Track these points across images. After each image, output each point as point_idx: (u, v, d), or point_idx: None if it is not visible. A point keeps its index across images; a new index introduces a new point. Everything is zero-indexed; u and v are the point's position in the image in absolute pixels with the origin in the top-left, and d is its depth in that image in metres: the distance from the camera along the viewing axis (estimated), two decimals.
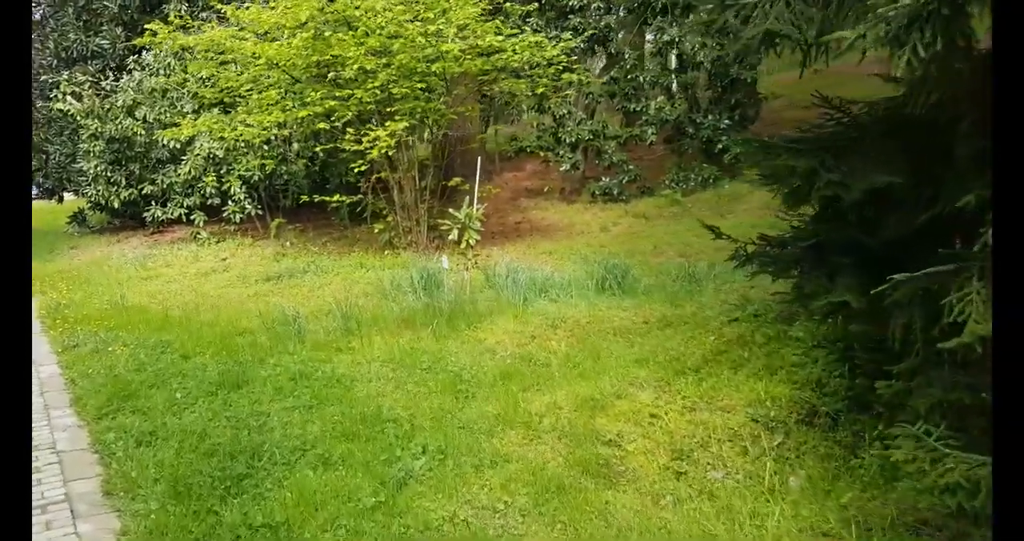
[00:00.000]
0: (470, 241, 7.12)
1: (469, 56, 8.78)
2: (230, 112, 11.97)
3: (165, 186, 13.64)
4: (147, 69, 13.43)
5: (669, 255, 9.32)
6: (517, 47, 8.76)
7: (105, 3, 15.43)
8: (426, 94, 9.21)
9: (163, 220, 14.03)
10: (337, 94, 8.80)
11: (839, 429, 3.26)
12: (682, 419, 3.58)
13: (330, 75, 8.67)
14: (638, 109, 14.35)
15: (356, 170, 9.45)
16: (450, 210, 7.39)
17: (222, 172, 12.97)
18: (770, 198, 13.06)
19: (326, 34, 8.44)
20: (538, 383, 4.52)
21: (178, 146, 13.16)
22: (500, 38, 8.60)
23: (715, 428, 3.44)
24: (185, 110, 13.16)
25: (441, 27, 8.25)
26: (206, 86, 11.38)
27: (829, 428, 3.29)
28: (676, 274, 7.80)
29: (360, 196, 10.93)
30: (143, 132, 13.22)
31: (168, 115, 13.19)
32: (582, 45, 10.26)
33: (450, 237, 7.14)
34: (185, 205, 13.70)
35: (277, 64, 9.39)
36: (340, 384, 4.99)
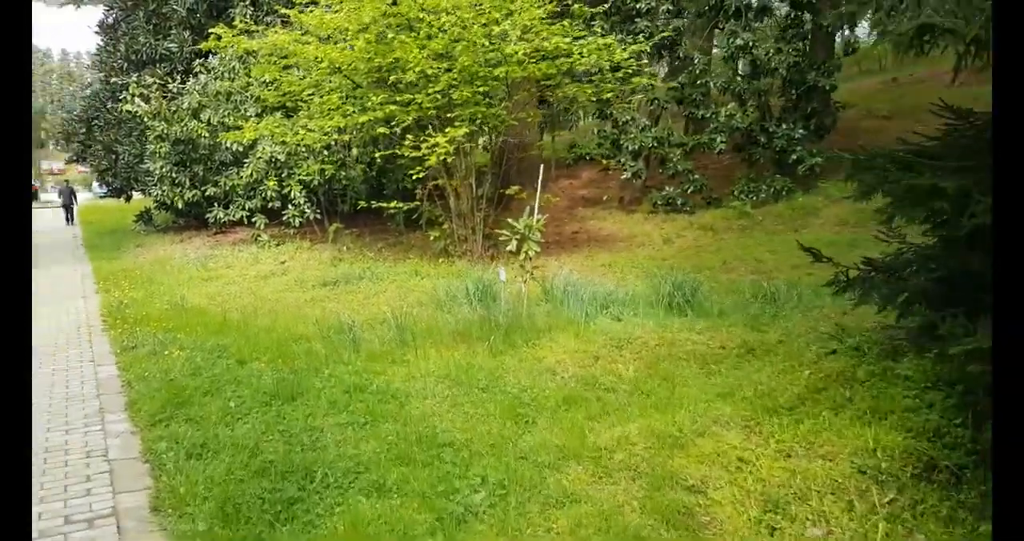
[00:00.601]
0: (529, 253, 6.82)
1: (533, 59, 8.50)
2: (292, 116, 12.04)
3: (227, 188, 13.83)
4: (212, 72, 13.65)
5: (741, 272, 8.82)
6: (585, 50, 8.43)
7: (174, 7, 15.82)
8: (486, 99, 8.99)
9: (225, 221, 14.22)
10: (398, 99, 8.65)
11: (963, 488, 2.81)
12: (776, 466, 3.17)
13: (391, 79, 8.53)
14: (706, 116, 13.83)
15: (414, 176, 9.29)
16: (508, 220, 7.11)
17: (283, 176, 13.06)
18: (846, 213, 12.31)
19: (389, 36, 8.30)
20: (605, 412, 4.18)
21: (241, 149, 13.35)
22: (567, 40, 8.28)
23: (815, 478, 3.03)
24: (248, 113, 13.33)
25: (507, 29, 7.99)
26: (269, 90, 11.44)
27: (951, 486, 2.85)
28: (751, 293, 7.34)
29: (416, 203, 10.78)
30: (207, 134, 13.43)
31: (232, 118, 13.38)
32: (649, 49, 9.88)
33: (508, 248, 6.86)
34: (247, 207, 13.87)
35: (339, 68, 9.32)
36: (395, 400, 4.76)
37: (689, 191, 13.57)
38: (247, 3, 14.09)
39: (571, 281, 7.75)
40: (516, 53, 8.29)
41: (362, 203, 11.16)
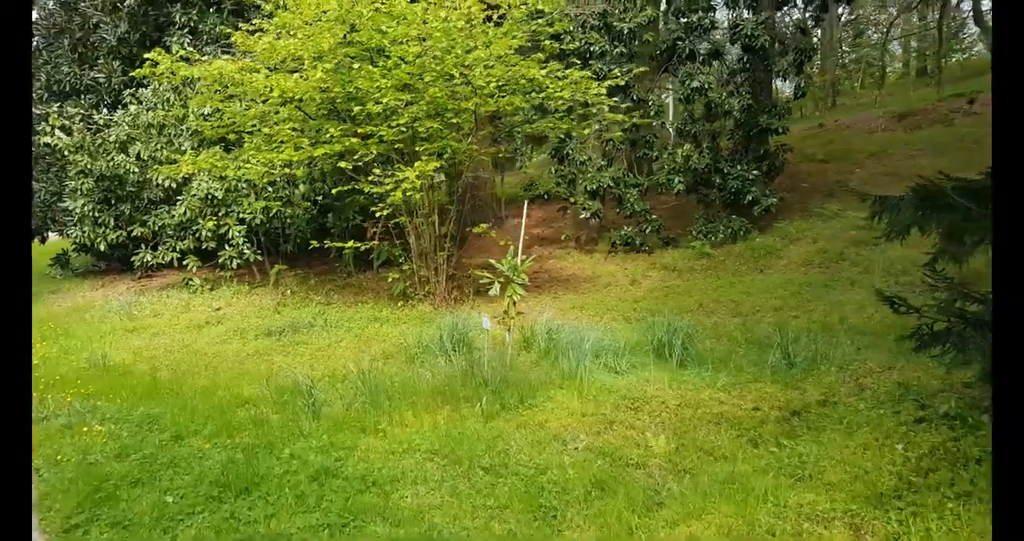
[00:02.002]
0: (514, 297, 6.15)
1: (504, 93, 7.97)
2: (232, 150, 11.11)
3: (157, 228, 12.62)
4: (144, 103, 12.58)
5: (721, 315, 8.37)
6: (560, 84, 7.96)
7: (103, 36, 14.71)
8: (452, 133, 8.38)
9: (152, 264, 12.94)
10: (359, 131, 7.93)
11: None
12: None
13: (356, 110, 7.81)
14: (662, 157, 13.66)
15: (377, 214, 8.52)
16: (491, 260, 6.44)
17: (220, 214, 12.02)
18: (807, 253, 12.12)
19: (355, 66, 7.60)
20: (654, 501, 3.46)
21: (173, 186, 12.25)
22: (543, 73, 7.79)
23: None
24: (183, 147, 12.28)
25: (481, 56, 7.43)
26: (209, 122, 10.50)
27: None
28: (744, 339, 6.86)
29: (374, 242, 9.98)
30: (136, 170, 12.28)
31: (164, 152, 12.30)
32: (604, 91, 9.60)
33: (491, 291, 6.17)
34: (177, 248, 12.67)
35: (292, 99, 8.54)
36: (376, 488, 3.93)
37: (647, 231, 13.29)
38: (185, 32, 13.16)
39: (553, 327, 7.10)
40: (487, 85, 7.73)
41: (314, 243, 10.26)
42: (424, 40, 7.55)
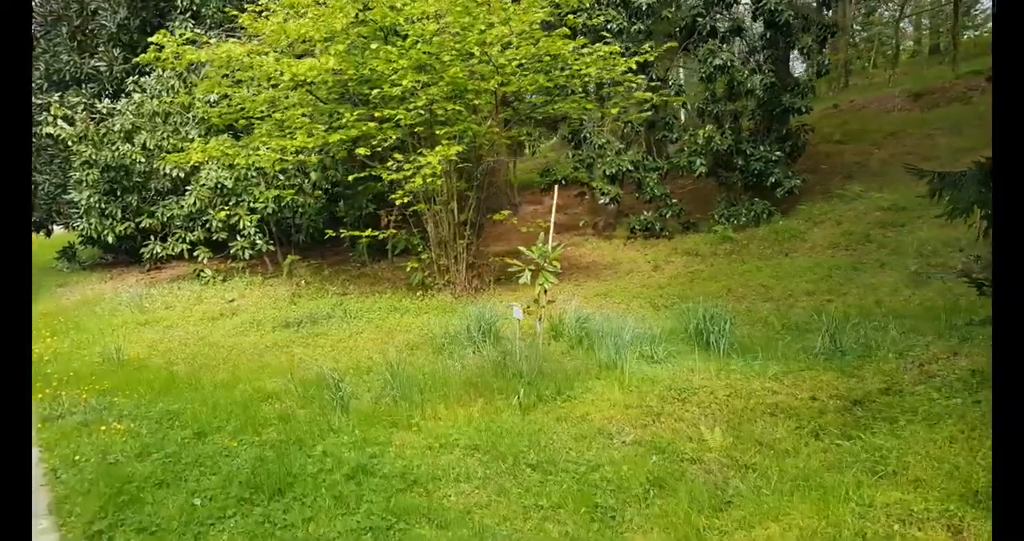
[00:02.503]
0: (545, 285, 5.88)
1: (527, 72, 7.62)
2: (240, 138, 10.83)
3: (166, 219, 12.38)
4: (148, 91, 12.29)
5: (751, 300, 8.09)
6: (588, 60, 7.59)
7: (102, 23, 14.39)
8: (472, 116, 8.07)
9: (162, 256, 12.71)
10: (375, 115, 7.61)
11: None
12: None
13: (372, 93, 7.50)
14: (682, 138, 13.31)
15: (397, 201, 8.23)
16: (520, 247, 6.17)
17: (230, 204, 11.76)
18: (832, 235, 11.81)
19: (372, 46, 7.26)
20: (721, 500, 3.20)
21: (181, 175, 12.00)
22: (569, 48, 7.41)
23: None
24: (190, 136, 12.01)
25: (505, 32, 7.07)
26: (216, 108, 10.21)
27: None
28: (780, 325, 6.58)
29: (391, 231, 9.71)
30: (142, 159, 12.01)
31: (171, 141, 12.03)
32: (634, 67, 9.20)
33: (521, 280, 5.90)
34: (187, 240, 12.43)
35: (303, 83, 8.24)
36: (418, 487, 3.68)
37: (667, 216, 12.98)
38: (187, 16, 12.83)
39: (583, 316, 6.84)
40: (510, 63, 7.39)
41: (329, 233, 9.98)
42: (441, 17, 7.22)
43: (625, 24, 12.73)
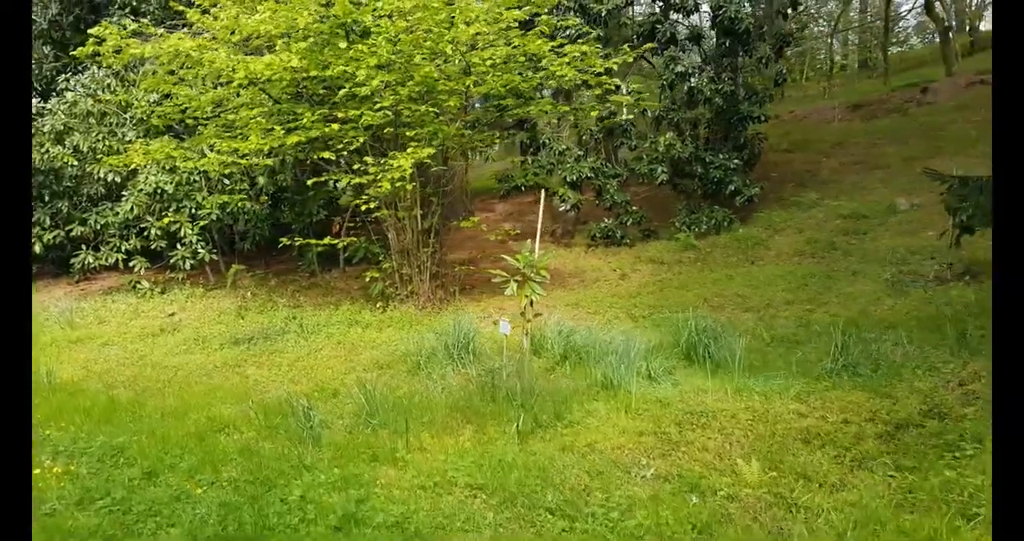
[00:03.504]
0: (532, 297, 5.49)
1: (499, 72, 7.23)
2: (184, 140, 10.06)
3: (99, 227, 11.43)
4: (84, 89, 11.36)
5: (731, 310, 7.90)
6: (565, 60, 7.24)
7: (32, 18, 13.32)
8: (439, 117, 7.62)
9: (94, 267, 11.75)
10: (339, 116, 7.08)
11: None
12: None
13: (340, 93, 6.96)
14: (640, 146, 13.17)
15: (363, 207, 7.70)
16: (505, 256, 5.77)
17: (170, 210, 10.94)
18: (795, 243, 11.83)
19: (341, 45, 6.72)
20: None
21: (117, 180, 11.11)
22: (547, 46, 7.01)
23: None
24: (127, 137, 11.14)
25: (485, 31, 6.65)
26: (161, 108, 9.44)
27: None
28: (768, 337, 6.38)
29: (351, 239, 9.15)
30: (74, 162, 11.06)
31: (106, 143, 11.12)
32: (615, 68, 8.96)
33: (507, 291, 5.50)
34: (122, 249, 11.51)
35: (256, 81, 7.62)
36: (419, 539, 3.22)
37: (628, 223, 12.82)
38: (126, 12, 11.93)
39: (566, 329, 6.48)
40: (483, 63, 6.98)
41: (284, 241, 9.33)
42: (409, 15, 6.76)
43: (583, 29, 12.56)
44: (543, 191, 6.30)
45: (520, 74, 7.56)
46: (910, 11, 36.09)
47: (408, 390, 5.49)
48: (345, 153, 7.24)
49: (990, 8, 33.46)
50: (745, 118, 12.77)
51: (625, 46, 9.26)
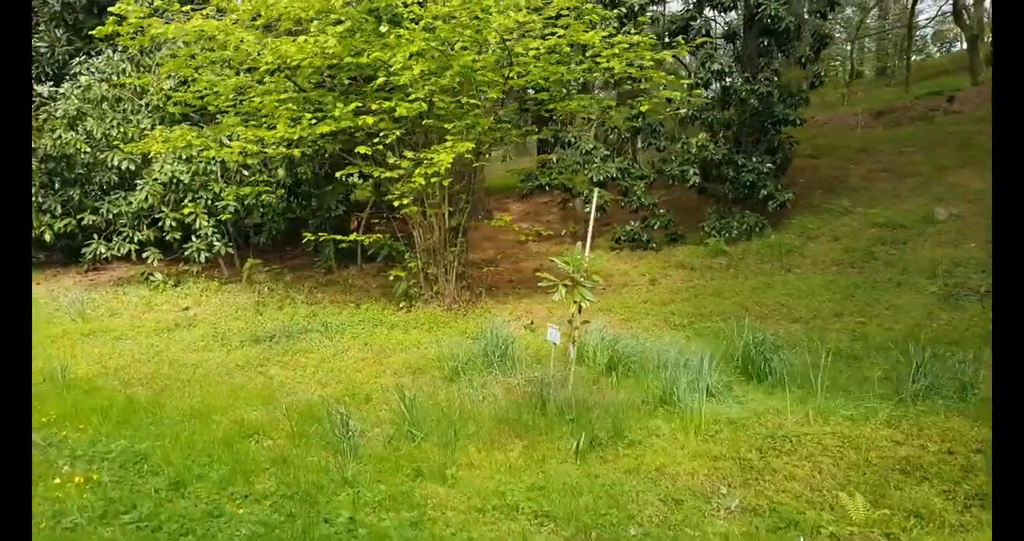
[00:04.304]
0: (582, 303, 5.15)
1: (542, 63, 6.84)
2: (201, 128, 9.72)
3: (111, 216, 11.11)
4: (99, 73, 11.04)
5: (776, 320, 7.54)
6: (616, 50, 6.87)
7: (45, 1, 13.02)
8: (475, 110, 7.26)
9: (106, 257, 11.43)
10: (373, 107, 6.71)
11: None
12: None
13: (376, 81, 6.62)
14: (670, 146, 12.80)
15: (396, 203, 7.35)
16: (553, 259, 5.42)
17: (187, 201, 10.61)
18: (831, 251, 11.43)
19: (382, 29, 6.34)
20: None
21: (131, 168, 10.78)
22: (597, 36, 6.62)
23: None
24: (142, 124, 10.81)
25: (536, 19, 6.26)
26: (177, 94, 9.09)
27: None
28: (825, 350, 5.98)
29: (377, 236, 8.80)
30: (87, 149, 10.73)
31: (120, 129, 10.79)
32: (671, 59, 8.62)
33: (555, 296, 5.15)
34: (135, 240, 11.18)
35: (284, 67, 7.28)
36: None
37: (655, 226, 12.44)
38: None
39: (607, 337, 6.12)
40: (527, 53, 6.60)
41: (308, 236, 8.99)
42: (448, 1, 6.40)
43: (616, 24, 12.20)
44: (595, 192, 5.92)
45: (566, 65, 7.17)
46: (932, 20, 35.73)
47: (446, 398, 5.14)
48: (380, 147, 6.87)
49: None
50: (779, 121, 12.39)
51: (680, 38, 8.87)
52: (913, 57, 33.74)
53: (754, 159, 12.19)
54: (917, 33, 34.36)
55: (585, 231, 5.77)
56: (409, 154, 6.73)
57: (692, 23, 12.48)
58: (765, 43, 12.20)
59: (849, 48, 35.26)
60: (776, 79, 12.27)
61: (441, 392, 5.32)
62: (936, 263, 9.24)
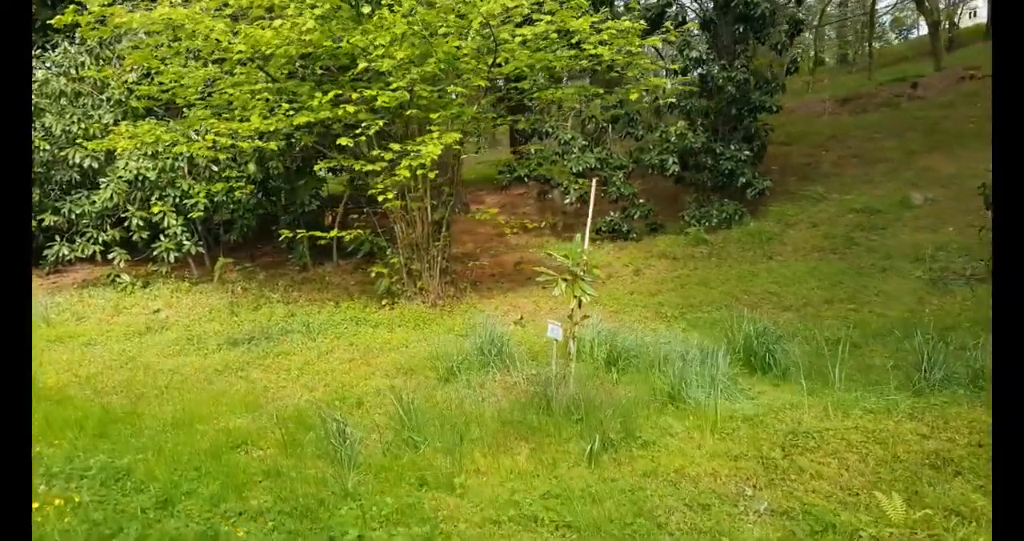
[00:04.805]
0: (583, 298, 4.98)
1: (528, 49, 6.63)
2: (167, 122, 9.29)
3: (74, 216, 10.61)
4: (58, 66, 10.49)
5: (767, 309, 7.48)
6: (605, 36, 6.67)
7: None
8: (460, 99, 7.02)
9: (70, 259, 10.93)
10: (353, 97, 6.43)
11: None
12: None
13: (356, 69, 6.32)
14: (648, 135, 12.71)
15: (379, 198, 7.08)
16: (550, 252, 5.24)
17: (152, 199, 10.18)
18: (811, 238, 11.44)
19: (364, 10, 6.05)
20: None
21: (94, 166, 10.29)
22: (587, 22, 6.41)
23: None
24: (103, 120, 10.33)
25: (524, 3, 6.02)
26: (141, 86, 8.66)
27: None
28: (824, 339, 5.93)
29: (357, 231, 8.52)
30: (47, 147, 10.21)
31: (81, 126, 10.29)
32: (660, 46, 8.45)
33: (555, 291, 4.98)
34: (100, 240, 10.70)
35: (257, 56, 6.94)
36: None
37: (635, 217, 12.35)
38: None
39: (603, 331, 5.97)
40: (513, 40, 6.36)
41: (285, 233, 8.65)
42: None
43: (592, 12, 12.01)
44: (593, 180, 5.75)
45: (552, 52, 6.96)
46: (891, 7, 36.27)
47: (443, 399, 4.94)
48: (363, 138, 6.59)
49: (965, 4, 33.71)
50: (756, 108, 12.37)
51: (668, 24, 8.71)
52: (874, 44, 34.26)
53: (732, 147, 12.16)
54: (880, 20, 34.91)
55: (576, 223, 5.62)
56: (396, 146, 6.47)
57: (668, 10, 12.38)
58: (741, 30, 12.15)
59: (811, 36, 35.64)
60: (750, 66, 12.26)
61: (437, 394, 5.12)
62: (918, 248, 9.29)
